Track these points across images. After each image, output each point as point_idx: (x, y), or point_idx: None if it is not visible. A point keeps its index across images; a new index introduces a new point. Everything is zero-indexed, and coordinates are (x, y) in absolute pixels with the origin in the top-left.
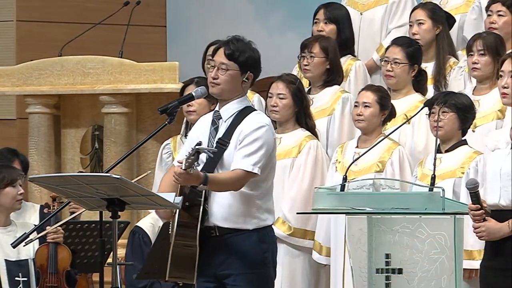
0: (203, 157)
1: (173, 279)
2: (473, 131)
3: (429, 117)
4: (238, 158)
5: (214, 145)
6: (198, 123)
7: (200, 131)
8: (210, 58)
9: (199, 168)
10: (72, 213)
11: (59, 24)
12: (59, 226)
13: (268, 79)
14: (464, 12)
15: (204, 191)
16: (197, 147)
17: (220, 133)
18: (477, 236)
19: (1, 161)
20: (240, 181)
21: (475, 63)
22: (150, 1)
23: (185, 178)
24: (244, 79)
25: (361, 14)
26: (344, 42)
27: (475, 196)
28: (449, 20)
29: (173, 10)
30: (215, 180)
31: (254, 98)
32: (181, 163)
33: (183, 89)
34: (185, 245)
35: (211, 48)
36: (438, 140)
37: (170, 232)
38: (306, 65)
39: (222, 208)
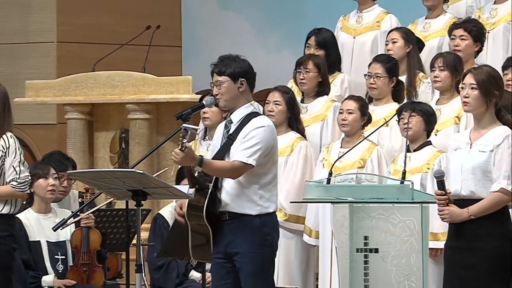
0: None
1: (198, 259)
2: (436, 134)
3: (398, 122)
4: (237, 151)
5: (226, 140)
6: (217, 130)
7: (217, 135)
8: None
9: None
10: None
11: (92, 45)
12: (90, 213)
13: (266, 90)
14: (443, 35)
15: (217, 180)
16: (184, 125)
17: (230, 132)
18: (440, 218)
19: (55, 164)
20: (236, 171)
21: (436, 76)
22: (168, 25)
23: (182, 158)
24: (238, 85)
25: (354, 38)
26: (333, 64)
27: (441, 184)
28: (419, 43)
29: (187, 33)
30: (211, 165)
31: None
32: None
33: (201, 98)
34: (199, 224)
35: None
36: (408, 141)
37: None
38: (302, 79)
39: (231, 197)
